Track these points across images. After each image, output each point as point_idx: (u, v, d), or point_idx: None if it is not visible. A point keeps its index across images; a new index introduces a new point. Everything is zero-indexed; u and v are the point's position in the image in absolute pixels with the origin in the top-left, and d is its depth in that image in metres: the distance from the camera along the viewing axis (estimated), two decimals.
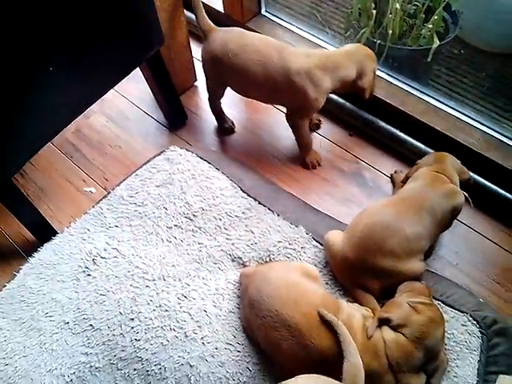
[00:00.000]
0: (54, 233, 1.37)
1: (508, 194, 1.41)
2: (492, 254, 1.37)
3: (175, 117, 1.67)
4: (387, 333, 1.03)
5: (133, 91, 1.76)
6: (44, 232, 1.38)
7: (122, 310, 1.17)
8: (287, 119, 1.55)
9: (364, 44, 1.63)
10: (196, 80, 1.81)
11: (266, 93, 1.51)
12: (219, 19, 1.86)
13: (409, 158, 1.51)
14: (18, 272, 1.28)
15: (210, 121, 1.71)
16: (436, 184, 1.24)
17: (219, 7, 1.84)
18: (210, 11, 1.83)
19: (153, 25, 1.36)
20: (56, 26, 1.11)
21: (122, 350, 1.13)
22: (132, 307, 1.17)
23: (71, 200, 1.51)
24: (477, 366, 1.06)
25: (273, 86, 1.46)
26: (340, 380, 0.94)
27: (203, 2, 1.58)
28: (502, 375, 0.99)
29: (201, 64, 1.56)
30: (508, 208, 1.43)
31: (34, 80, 1.14)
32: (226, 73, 1.52)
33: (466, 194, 1.24)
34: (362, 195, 1.49)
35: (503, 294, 1.30)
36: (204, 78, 1.61)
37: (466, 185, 1.30)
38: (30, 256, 1.32)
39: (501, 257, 1.35)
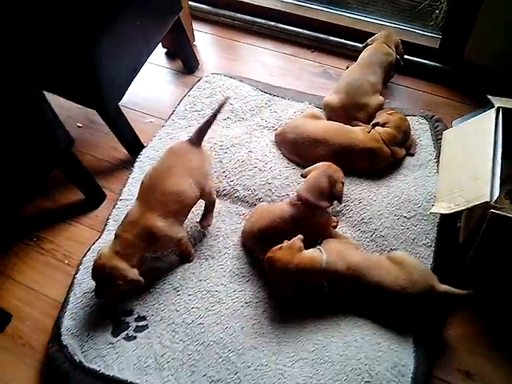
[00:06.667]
0: (142, 148, 2.00)
1: (422, 60, 2.23)
2: (420, 96, 2.19)
3: (192, 62, 2.35)
4: (379, 129, 1.80)
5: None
6: (137, 147, 2.00)
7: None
8: None
9: None
10: (194, 40, 2.49)
11: None
12: None
13: (353, 55, 2.26)
14: (133, 166, 1.92)
15: (211, 62, 2.43)
16: (379, 49, 2.04)
17: None
18: None
19: None
20: None
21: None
22: (224, 155, 1.87)
23: (140, 129, 2.08)
24: (430, 138, 1.89)
25: None
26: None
27: None
28: (445, 131, 1.80)
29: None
30: (424, 69, 2.24)
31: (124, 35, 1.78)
32: None
33: (398, 57, 2.08)
34: (331, 82, 2.25)
35: (430, 111, 2.08)
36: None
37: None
38: (127, 168, 1.96)
39: (424, 96, 2.18)
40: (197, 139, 1.61)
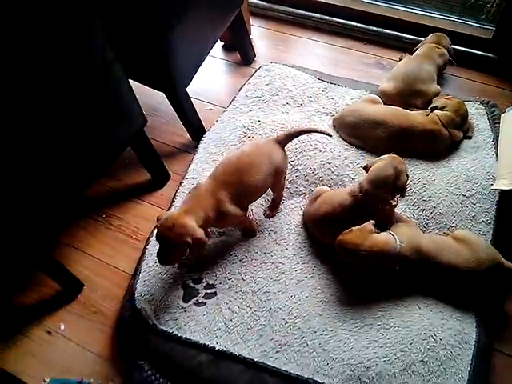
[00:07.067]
0: (204, 132, 2.10)
1: (475, 51, 2.28)
2: (473, 86, 2.23)
3: (249, 54, 2.45)
4: (437, 112, 1.85)
5: None
6: (200, 131, 2.10)
7: None
8: None
9: None
10: (251, 34, 2.59)
11: None
12: None
13: (406, 47, 2.34)
14: (197, 147, 2.02)
15: (266, 55, 2.53)
16: (434, 49, 2.10)
17: None
18: None
19: None
20: None
21: None
22: None
23: (202, 116, 2.17)
24: (487, 122, 1.93)
25: None
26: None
27: None
28: (502, 114, 1.83)
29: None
30: (476, 59, 2.28)
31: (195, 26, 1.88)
32: None
33: (450, 58, 2.13)
34: (384, 73, 2.32)
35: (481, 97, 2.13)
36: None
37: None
38: (189, 152, 2.06)
39: (477, 85, 2.23)
40: (283, 140, 1.68)
